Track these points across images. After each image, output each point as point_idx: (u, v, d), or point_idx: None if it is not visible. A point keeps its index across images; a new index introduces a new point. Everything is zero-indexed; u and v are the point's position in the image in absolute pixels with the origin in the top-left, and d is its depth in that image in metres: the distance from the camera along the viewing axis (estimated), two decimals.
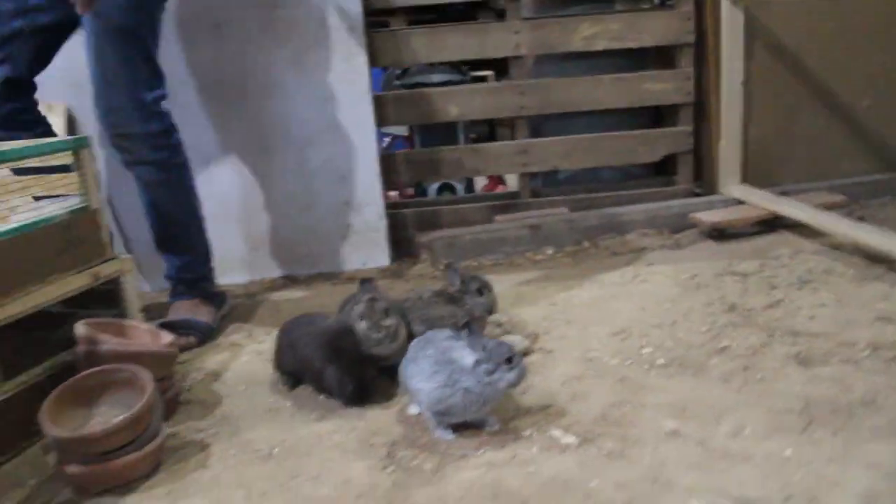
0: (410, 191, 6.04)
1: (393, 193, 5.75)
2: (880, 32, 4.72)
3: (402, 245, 4.90)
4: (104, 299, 3.47)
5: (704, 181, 5.03)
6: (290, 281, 4.84)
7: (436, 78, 5.47)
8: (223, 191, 4.67)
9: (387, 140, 6.58)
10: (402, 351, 2.89)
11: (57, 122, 4.42)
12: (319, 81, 4.58)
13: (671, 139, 4.89)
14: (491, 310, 3.42)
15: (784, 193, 4.60)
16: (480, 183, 6.21)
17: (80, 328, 3.03)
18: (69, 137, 3.29)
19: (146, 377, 2.80)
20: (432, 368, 2.67)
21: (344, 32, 4.52)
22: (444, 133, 5.77)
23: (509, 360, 2.59)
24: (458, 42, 4.67)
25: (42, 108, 3.79)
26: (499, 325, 3.66)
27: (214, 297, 4.09)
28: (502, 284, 4.13)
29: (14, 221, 3.10)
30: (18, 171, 3.53)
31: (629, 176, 5.25)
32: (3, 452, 2.90)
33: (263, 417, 3.12)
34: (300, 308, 4.08)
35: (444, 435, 2.65)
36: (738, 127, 4.71)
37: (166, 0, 3.69)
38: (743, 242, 4.48)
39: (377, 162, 4.70)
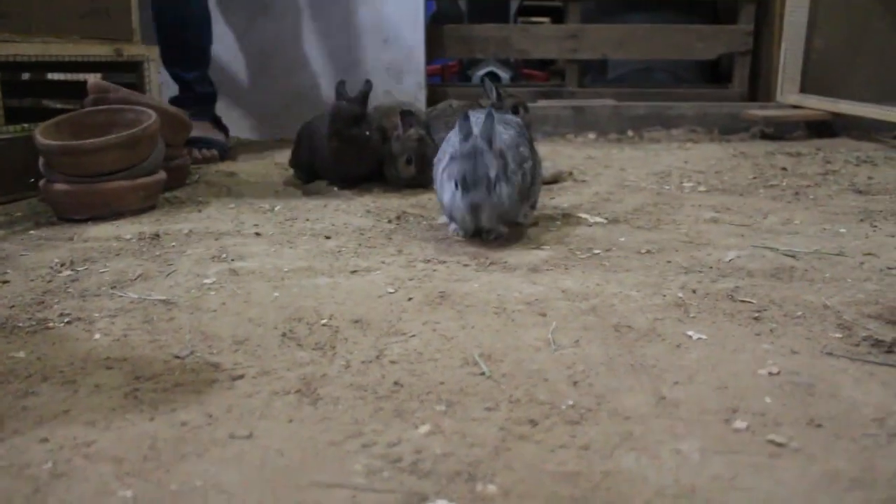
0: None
1: (436, 80, 5.53)
2: None
3: None
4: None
5: (761, 87, 4.77)
6: None
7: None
8: (265, 42, 4.54)
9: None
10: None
11: None
12: None
13: (730, 37, 4.65)
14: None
15: None
16: None
17: (91, 80, 2.89)
18: None
19: (152, 115, 2.63)
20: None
21: None
22: (495, 11, 5.58)
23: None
24: None
25: None
26: None
27: (221, 124, 3.99)
28: (541, 150, 3.92)
29: None
30: None
31: (683, 82, 5.01)
32: (4, 193, 2.76)
33: (271, 193, 2.94)
34: None
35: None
36: (803, 30, 4.46)
37: None
38: (799, 142, 4.21)
39: (423, 29, 4.53)
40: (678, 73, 5.02)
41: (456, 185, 2.03)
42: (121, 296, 1.72)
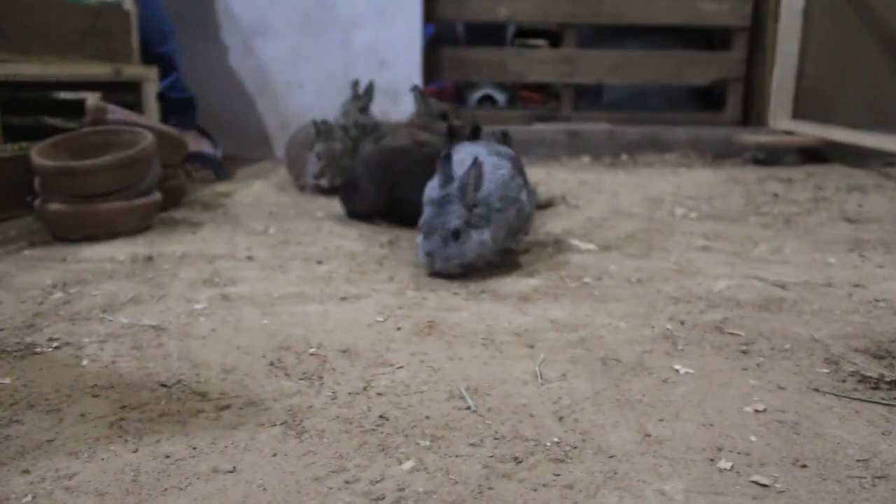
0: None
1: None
2: None
3: None
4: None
5: (753, 113, 4.79)
6: None
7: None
8: (261, 65, 4.56)
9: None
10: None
11: None
12: None
13: (723, 63, 4.68)
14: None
15: None
16: None
17: (90, 99, 2.90)
18: None
19: (148, 137, 2.64)
20: None
21: None
22: (493, 37, 5.60)
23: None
24: None
25: None
26: None
27: (206, 132, 3.99)
28: (535, 174, 3.94)
29: None
30: None
31: (677, 107, 5.04)
32: (2, 210, 2.76)
33: (265, 214, 2.94)
34: None
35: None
36: (795, 57, 4.49)
37: None
38: (790, 168, 4.22)
39: (420, 53, 4.56)
40: (672, 98, 5.05)
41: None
42: (111, 320, 1.72)
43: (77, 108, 3.13)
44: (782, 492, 1.03)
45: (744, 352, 1.53)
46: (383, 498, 1.02)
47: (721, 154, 4.48)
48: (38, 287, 1.98)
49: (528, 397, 1.32)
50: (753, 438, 1.17)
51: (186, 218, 2.83)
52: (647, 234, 2.64)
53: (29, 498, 1.03)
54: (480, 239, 2.05)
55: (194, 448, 1.16)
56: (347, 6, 4.53)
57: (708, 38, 5.01)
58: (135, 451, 1.15)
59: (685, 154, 4.51)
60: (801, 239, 2.54)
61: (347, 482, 1.06)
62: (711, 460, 1.11)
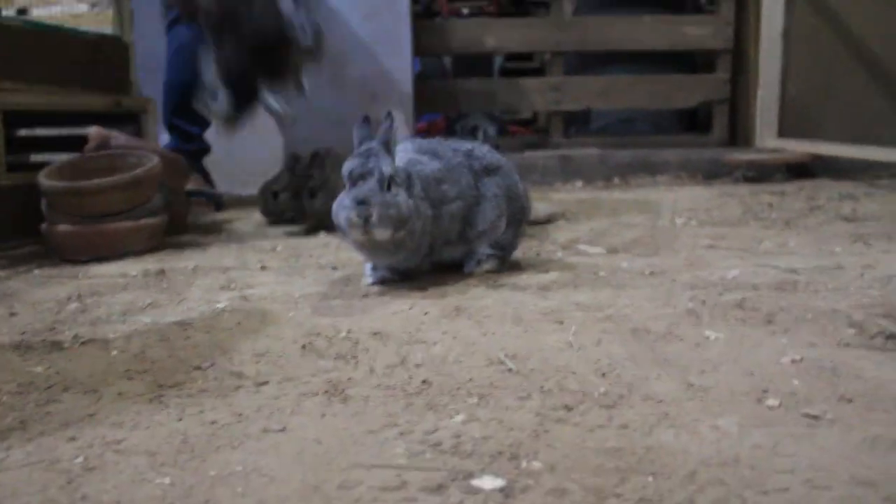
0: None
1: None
2: None
3: None
4: None
5: (740, 134, 4.90)
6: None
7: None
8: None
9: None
10: None
11: None
12: None
13: (708, 86, 4.80)
14: None
15: None
16: None
17: (93, 128, 2.92)
18: None
19: (154, 158, 2.66)
20: None
21: None
22: (479, 67, 5.72)
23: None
24: None
25: None
26: None
27: (210, 179, 4.04)
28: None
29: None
30: None
31: (664, 131, 5.14)
32: (6, 238, 2.75)
33: (271, 236, 2.95)
34: None
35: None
36: (777, 77, 4.62)
37: None
38: (781, 184, 4.31)
39: (411, 85, 4.64)
40: (659, 122, 5.16)
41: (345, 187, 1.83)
42: (133, 321, 1.72)
43: (75, 144, 3.16)
44: (833, 420, 1.04)
45: (768, 322, 1.55)
46: (441, 444, 1.02)
47: (711, 174, 4.56)
48: (52, 300, 1.97)
49: (567, 360, 1.32)
50: (796, 382, 1.18)
51: (192, 240, 2.84)
52: (653, 238, 2.68)
53: (80, 459, 1.02)
54: (410, 204, 1.81)
55: (240, 415, 1.16)
56: (339, 40, 4.61)
57: (692, 62, 5.14)
58: (179, 420, 1.15)
59: (676, 175, 4.58)
60: (804, 236, 2.59)
61: (402, 433, 1.06)
62: (759, 400, 1.12)
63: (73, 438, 1.09)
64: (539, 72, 5.73)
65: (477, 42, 4.78)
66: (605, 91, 4.81)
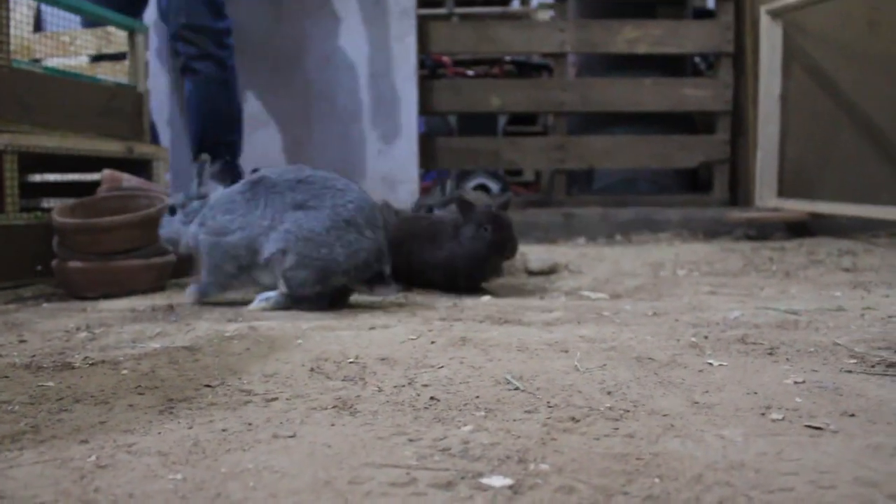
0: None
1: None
2: None
3: None
4: None
5: (740, 194, 4.98)
6: None
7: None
8: (265, 155, 4.70)
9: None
10: None
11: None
12: (369, 58, 4.73)
13: (709, 146, 4.89)
14: None
15: None
16: None
17: (106, 170, 2.99)
18: (128, 18, 3.39)
19: (164, 199, 2.71)
20: None
21: (397, 14, 4.71)
22: (484, 126, 5.83)
23: None
24: (506, 36, 4.83)
25: None
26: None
27: None
28: (534, 251, 4.03)
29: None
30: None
31: (665, 191, 5.22)
32: (13, 277, 2.78)
33: None
34: None
35: None
36: (776, 139, 4.72)
37: None
38: (781, 241, 4.36)
39: (416, 142, 4.74)
40: (661, 182, 5.24)
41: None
42: (142, 346, 1.73)
43: (86, 190, 3.22)
44: (837, 431, 1.05)
45: (770, 353, 1.57)
46: (450, 449, 1.03)
47: (712, 233, 4.61)
48: (61, 330, 1.99)
49: (573, 380, 1.34)
50: (798, 399, 1.20)
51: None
52: (655, 286, 2.71)
53: (93, 458, 1.03)
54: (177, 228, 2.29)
55: (249, 424, 1.17)
56: (347, 99, 4.74)
57: (692, 122, 5.25)
58: (190, 428, 1.16)
59: (678, 233, 4.64)
60: (804, 284, 2.62)
61: (411, 440, 1.07)
62: (762, 414, 1.13)
63: (84, 441, 1.10)
64: (542, 135, 5.85)
65: (482, 102, 4.90)
66: (608, 151, 4.90)
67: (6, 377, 1.46)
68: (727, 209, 4.75)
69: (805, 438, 1.03)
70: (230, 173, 3.90)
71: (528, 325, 1.92)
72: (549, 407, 1.20)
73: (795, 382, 1.29)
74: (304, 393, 1.34)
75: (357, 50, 4.75)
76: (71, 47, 3.64)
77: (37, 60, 3.66)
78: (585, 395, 1.26)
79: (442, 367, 1.47)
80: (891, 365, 1.42)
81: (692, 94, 4.87)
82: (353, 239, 2.16)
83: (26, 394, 1.35)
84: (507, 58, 5.69)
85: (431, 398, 1.27)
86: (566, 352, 1.58)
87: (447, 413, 1.19)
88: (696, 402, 1.21)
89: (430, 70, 5.49)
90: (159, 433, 1.14)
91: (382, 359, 1.55)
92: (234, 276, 2.26)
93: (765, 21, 4.70)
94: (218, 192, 2.32)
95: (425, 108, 4.90)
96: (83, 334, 1.92)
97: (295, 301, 2.20)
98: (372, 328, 1.90)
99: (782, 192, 4.85)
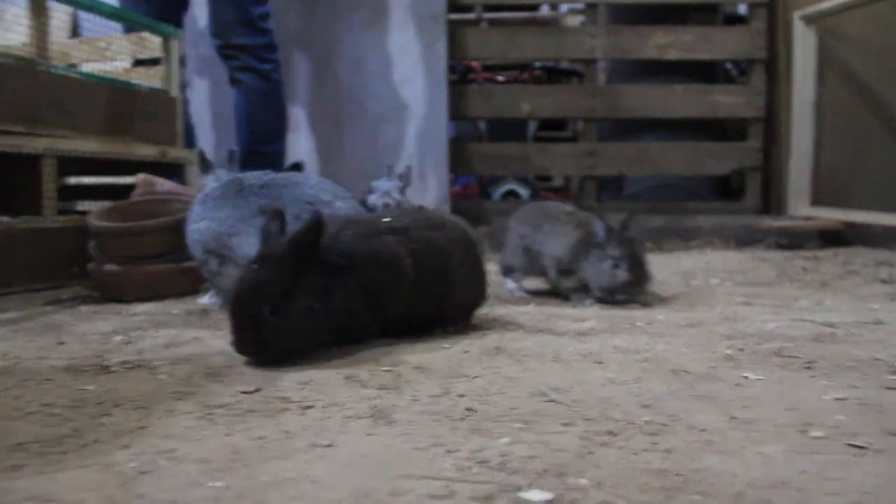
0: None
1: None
2: None
3: None
4: None
5: (773, 201, 4.93)
6: None
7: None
8: (296, 158, 4.74)
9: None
10: None
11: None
12: (399, 63, 4.75)
13: (740, 153, 4.85)
14: None
15: None
16: None
17: (140, 175, 3.03)
18: (162, 23, 3.44)
19: None
20: None
21: (428, 20, 4.73)
22: (514, 132, 5.85)
23: None
24: (536, 41, 4.83)
25: None
26: None
27: None
28: None
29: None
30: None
31: (696, 198, 5.18)
32: (51, 279, 2.82)
33: None
34: None
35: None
36: (810, 146, 4.66)
37: None
38: (815, 251, 4.31)
39: (446, 147, 4.76)
40: (692, 189, 5.21)
41: None
42: (178, 351, 1.76)
43: (121, 193, 3.27)
44: (880, 451, 1.04)
45: (808, 367, 1.55)
46: (488, 461, 1.03)
47: (744, 241, 4.57)
48: (98, 332, 2.02)
49: (608, 393, 1.34)
50: (840, 416, 1.18)
51: None
52: (688, 296, 2.69)
53: (135, 464, 1.05)
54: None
55: (287, 432, 1.18)
56: (377, 103, 4.77)
57: (723, 129, 5.21)
58: (228, 435, 1.17)
59: (709, 241, 4.60)
60: (840, 295, 2.58)
61: (449, 451, 1.08)
62: (803, 431, 1.12)
63: (126, 446, 1.12)
64: (572, 141, 5.84)
65: (512, 107, 4.90)
66: (638, 157, 4.88)
67: (49, 380, 1.49)
68: (759, 217, 4.71)
69: (847, 457, 1.02)
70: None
71: (561, 334, 1.91)
72: (586, 420, 1.19)
73: (836, 399, 1.27)
74: (340, 401, 1.34)
75: (387, 55, 4.78)
76: (107, 52, 3.70)
77: (73, 65, 3.72)
78: (622, 408, 1.25)
79: (477, 377, 1.48)
80: None
81: (724, 101, 4.83)
82: None
83: (67, 397, 1.37)
84: (537, 63, 5.69)
85: (467, 409, 1.27)
86: (601, 363, 1.57)
87: (484, 424, 1.19)
88: (735, 418, 1.19)
89: (460, 75, 5.51)
90: (199, 440, 1.15)
91: (416, 367, 1.56)
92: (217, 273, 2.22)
93: (798, 27, 4.66)
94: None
95: (455, 113, 4.91)
96: (119, 337, 1.95)
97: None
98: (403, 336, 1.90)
99: (816, 200, 4.79)
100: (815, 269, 3.36)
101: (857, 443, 1.06)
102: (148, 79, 3.60)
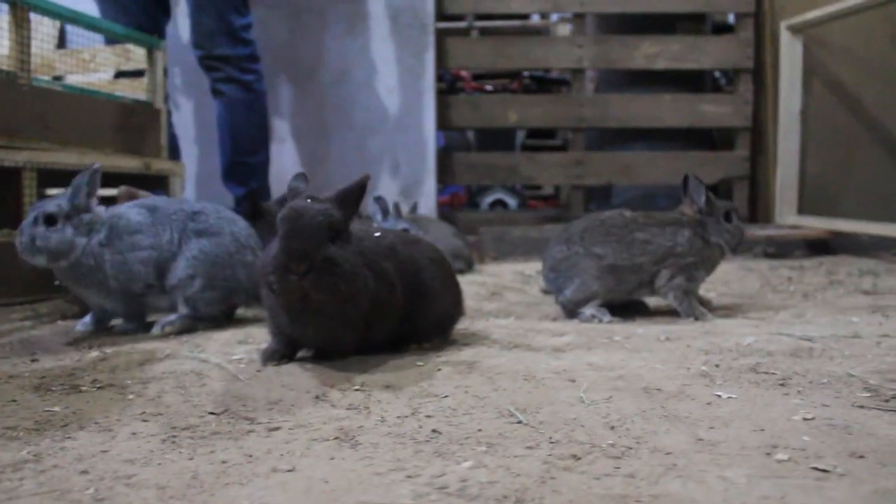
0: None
1: (444, 209, 5.71)
2: None
3: None
4: None
5: (760, 211, 4.93)
6: None
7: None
8: (282, 170, 4.73)
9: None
10: None
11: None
12: (387, 73, 4.75)
13: (728, 163, 4.86)
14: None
15: None
16: None
17: (122, 187, 3.01)
18: (145, 35, 3.43)
19: None
20: None
21: (415, 29, 4.73)
22: (502, 141, 5.84)
23: None
24: (524, 51, 4.84)
25: None
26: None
27: None
28: None
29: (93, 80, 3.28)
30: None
31: None
32: (30, 293, 2.80)
33: None
34: None
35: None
36: (796, 155, 4.67)
37: None
38: (801, 260, 4.31)
39: (434, 157, 4.75)
40: (679, 198, 5.19)
41: None
42: (151, 369, 1.74)
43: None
44: (844, 475, 1.03)
45: (782, 384, 1.54)
46: (447, 487, 1.02)
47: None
48: (73, 349, 2.01)
49: (576, 413, 1.33)
50: (806, 438, 1.17)
51: None
52: (671, 308, 2.68)
53: (91, 491, 1.04)
54: (71, 239, 2.12)
55: (250, 455, 1.17)
56: (364, 113, 4.76)
57: (711, 139, 5.22)
58: (190, 459, 1.16)
59: None
60: (821, 307, 2.58)
61: (409, 476, 1.07)
62: (768, 454, 1.11)
63: (85, 472, 1.10)
64: (561, 149, 5.83)
65: (500, 117, 4.90)
66: (626, 167, 4.88)
67: (14, 401, 1.47)
68: (746, 226, 4.70)
69: (811, 482, 1.01)
70: (252, 199, 3.95)
71: (537, 350, 1.90)
72: (552, 443, 1.18)
73: (804, 419, 1.27)
74: (307, 422, 1.33)
75: (374, 64, 4.78)
76: (91, 64, 3.69)
77: (58, 77, 3.72)
78: (588, 429, 1.24)
79: (447, 396, 1.47)
80: None
81: (711, 111, 4.84)
82: (251, 260, 2.29)
83: (32, 419, 1.36)
84: (526, 73, 5.69)
85: (433, 430, 1.26)
86: (573, 381, 1.56)
87: (448, 447, 1.18)
88: (701, 439, 1.19)
89: (448, 84, 5.51)
90: (160, 464, 1.14)
91: (387, 386, 1.55)
92: (140, 297, 2.25)
93: (785, 37, 4.67)
94: (113, 210, 2.29)
95: (443, 122, 4.91)
96: (94, 354, 1.93)
97: (198, 319, 2.26)
98: (378, 354, 1.89)
99: (802, 209, 4.80)
100: (800, 280, 3.36)
101: (821, 466, 1.06)
102: (132, 90, 3.59)
